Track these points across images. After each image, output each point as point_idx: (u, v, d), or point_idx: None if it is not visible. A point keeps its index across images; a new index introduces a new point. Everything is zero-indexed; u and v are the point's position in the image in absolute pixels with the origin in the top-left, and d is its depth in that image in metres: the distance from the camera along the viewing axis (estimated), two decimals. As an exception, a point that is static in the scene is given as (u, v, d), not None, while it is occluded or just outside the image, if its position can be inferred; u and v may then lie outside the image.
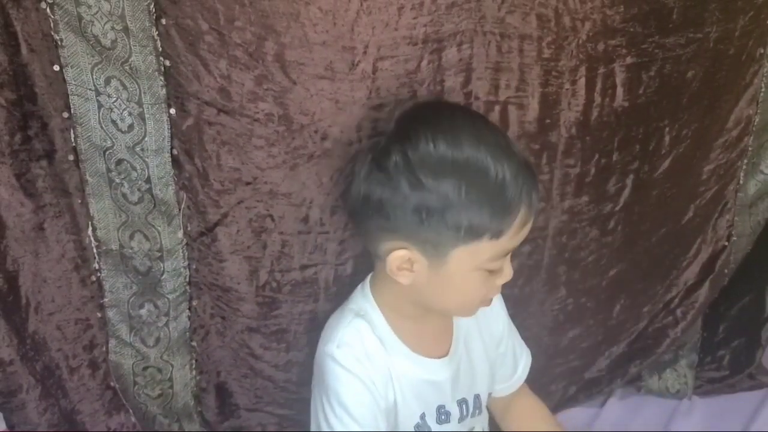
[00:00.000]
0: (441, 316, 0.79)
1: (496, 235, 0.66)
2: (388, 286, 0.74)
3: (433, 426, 0.79)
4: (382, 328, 0.75)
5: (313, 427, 0.77)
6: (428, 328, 0.78)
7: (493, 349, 0.84)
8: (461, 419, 0.80)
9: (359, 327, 0.74)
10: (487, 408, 0.86)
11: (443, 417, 0.79)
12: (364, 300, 0.77)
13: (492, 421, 0.89)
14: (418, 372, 0.76)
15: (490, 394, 0.85)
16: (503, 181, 0.65)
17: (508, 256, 0.72)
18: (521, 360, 0.87)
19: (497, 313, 0.84)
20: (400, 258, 0.69)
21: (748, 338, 1.13)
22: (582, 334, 1.03)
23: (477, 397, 0.82)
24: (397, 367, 0.75)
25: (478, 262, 0.68)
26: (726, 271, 1.06)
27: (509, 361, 0.86)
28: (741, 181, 1.01)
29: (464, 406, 0.80)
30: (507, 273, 0.72)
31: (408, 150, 0.66)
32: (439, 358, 0.77)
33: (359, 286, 0.79)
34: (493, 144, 0.67)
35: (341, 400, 0.71)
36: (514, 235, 0.68)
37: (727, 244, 1.05)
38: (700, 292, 1.06)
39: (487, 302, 0.75)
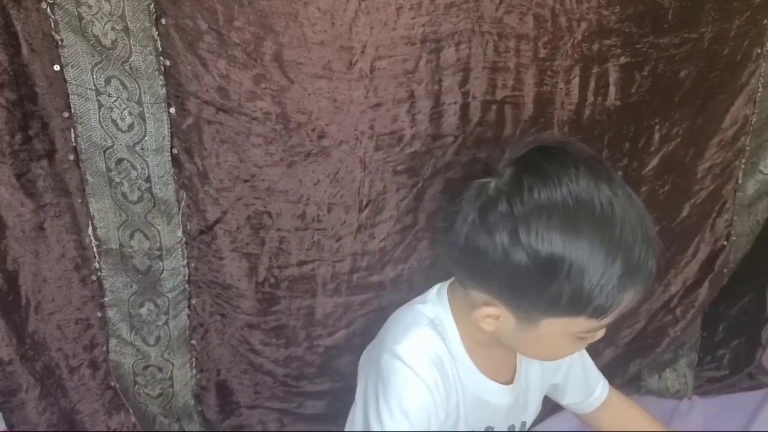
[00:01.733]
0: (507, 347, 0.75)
1: (597, 315, 0.62)
2: (466, 306, 0.69)
3: None
4: (455, 343, 0.71)
5: (358, 418, 0.72)
6: (496, 352, 0.74)
7: (550, 377, 0.81)
8: None
9: (432, 335, 0.70)
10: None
11: None
12: (441, 308, 0.72)
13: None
14: (480, 392, 0.73)
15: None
16: (610, 275, 0.59)
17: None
18: (596, 389, 0.85)
19: None
20: (488, 314, 0.66)
21: (748, 338, 1.13)
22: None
23: (524, 424, 0.80)
24: (462, 383, 0.72)
25: (571, 333, 0.65)
26: (725, 270, 1.06)
27: (577, 388, 0.83)
28: (740, 181, 1.02)
29: (510, 428, 0.79)
30: (598, 335, 0.67)
31: (515, 202, 0.61)
32: (503, 383, 0.75)
33: (436, 289, 0.74)
34: (614, 232, 0.60)
35: (402, 403, 0.67)
36: (616, 312, 0.63)
37: (726, 243, 1.05)
38: (700, 291, 1.05)
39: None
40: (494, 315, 0.66)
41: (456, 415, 0.73)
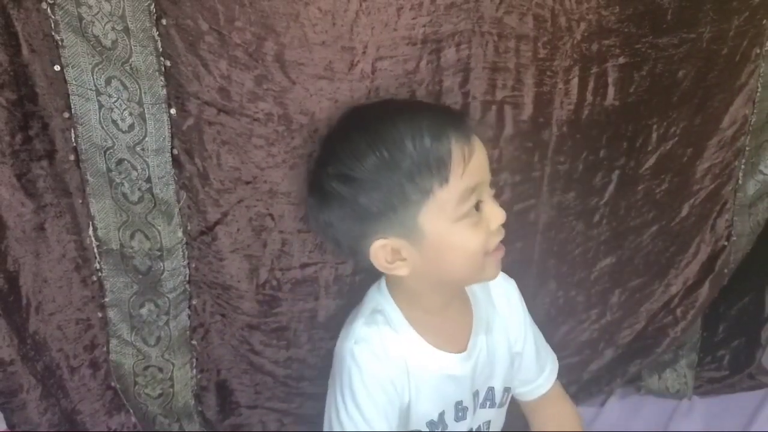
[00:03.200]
0: (460, 311, 0.79)
1: (444, 180, 0.67)
2: (400, 282, 0.75)
3: (451, 424, 0.78)
4: (399, 323, 0.75)
5: (326, 423, 0.77)
6: (447, 323, 0.77)
7: (514, 342, 0.84)
8: (474, 411, 0.80)
9: (377, 321, 0.75)
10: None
11: (460, 414, 0.79)
12: (380, 296, 0.77)
13: (517, 422, 0.89)
14: (436, 367, 0.76)
15: (507, 390, 0.84)
16: (420, 135, 0.67)
17: (488, 199, 0.71)
18: (547, 365, 0.87)
19: (515, 306, 0.84)
20: (382, 249, 0.70)
21: (748, 338, 1.13)
22: (575, 329, 1.03)
23: (491, 389, 0.82)
24: (414, 363, 0.75)
25: (449, 213, 0.68)
26: (726, 270, 1.06)
27: (530, 363, 0.85)
28: (740, 181, 1.01)
29: (476, 398, 0.80)
30: (495, 214, 0.71)
31: (334, 165, 0.69)
32: (458, 352, 0.77)
33: (375, 285, 0.79)
34: (405, 116, 0.69)
35: (356, 399, 0.72)
36: (463, 172, 0.68)
37: (726, 244, 1.05)
38: (700, 291, 1.05)
39: (497, 254, 0.73)
40: (390, 249, 0.70)
41: (409, 402, 0.75)
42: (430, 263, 0.71)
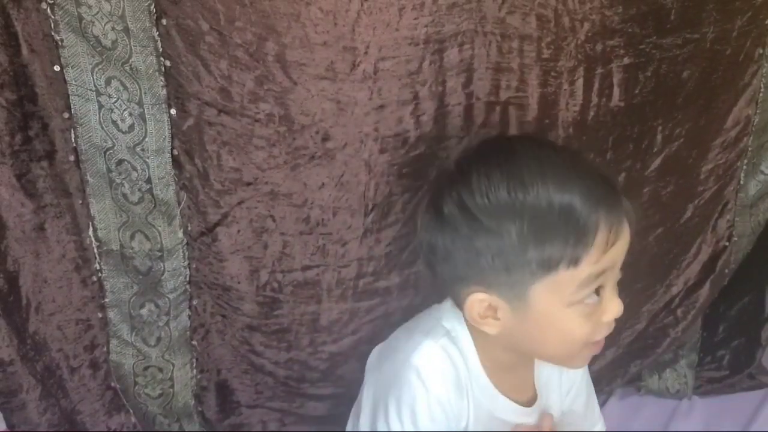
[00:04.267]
0: (525, 367, 0.74)
1: (573, 262, 0.61)
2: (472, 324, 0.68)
3: None
4: (471, 358, 0.69)
5: (365, 420, 0.71)
6: (513, 375, 0.73)
7: (564, 399, 0.79)
8: None
9: (448, 348, 0.68)
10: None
11: None
12: (457, 321, 0.70)
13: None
14: (494, 409, 0.71)
15: None
16: (569, 206, 0.60)
17: (611, 286, 0.65)
18: (595, 426, 0.83)
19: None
20: (479, 303, 0.64)
21: (748, 338, 1.13)
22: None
23: None
24: (477, 401, 0.70)
25: (564, 297, 0.62)
26: (727, 271, 1.06)
27: (578, 419, 0.81)
28: (741, 182, 1.01)
29: None
30: (614, 307, 0.64)
31: (463, 194, 0.62)
32: (523, 405, 0.73)
33: (449, 304, 0.72)
34: (558, 166, 0.62)
35: (416, 420, 0.66)
36: (598, 259, 0.61)
37: (728, 244, 1.04)
38: (701, 292, 1.05)
39: (597, 346, 0.67)
40: (487, 305, 0.64)
41: (466, 426, 0.71)
42: (523, 334, 0.65)
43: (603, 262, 0.62)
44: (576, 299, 0.63)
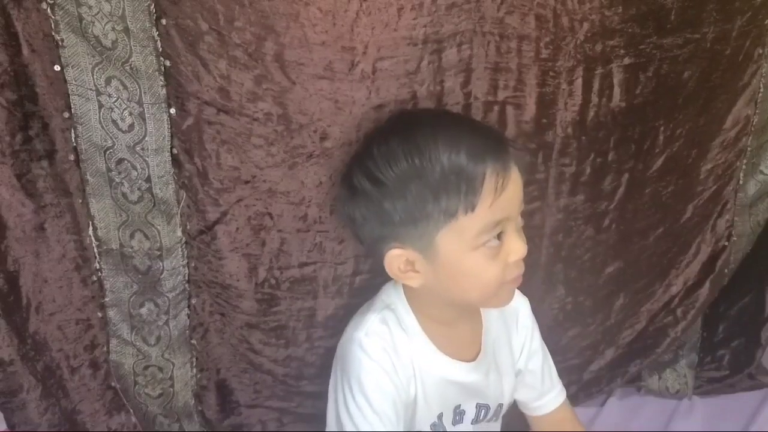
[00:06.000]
0: (470, 323, 0.79)
1: (470, 208, 0.66)
2: (416, 291, 0.74)
3: (448, 426, 0.78)
4: (410, 324, 0.75)
5: (330, 414, 0.76)
6: (457, 333, 0.77)
7: (517, 358, 0.84)
8: (475, 421, 0.80)
9: (388, 318, 0.74)
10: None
11: (458, 417, 0.79)
12: (395, 295, 0.77)
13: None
14: (443, 372, 0.75)
15: (508, 405, 0.85)
16: (458, 161, 0.66)
17: (513, 230, 0.70)
18: (553, 389, 0.86)
19: (523, 325, 0.84)
20: (396, 257, 0.70)
21: (748, 338, 1.13)
22: (582, 333, 1.03)
23: (500, 406, 0.82)
24: (421, 365, 0.74)
25: (468, 241, 0.67)
26: (726, 271, 1.06)
27: (536, 380, 0.85)
28: (741, 182, 1.01)
29: (484, 410, 0.80)
30: (516, 248, 0.69)
31: (369, 165, 0.69)
32: (467, 361, 0.77)
33: (392, 282, 0.79)
34: (448, 128, 0.68)
35: (364, 389, 0.71)
36: (493, 203, 0.67)
37: (727, 244, 1.04)
38: (701, 292, 1.05)
39: (513, 284, 0.72)
40: (404, 259, 0.70)
41: (415, 397, 0.74)
42: (441, 282, 0.71)
43: (498, 206, 0.67)
44: (478, 243, 0.68)
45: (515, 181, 0.69)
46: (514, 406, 0.89)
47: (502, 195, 0.67)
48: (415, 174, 0.66)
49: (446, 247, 0.68)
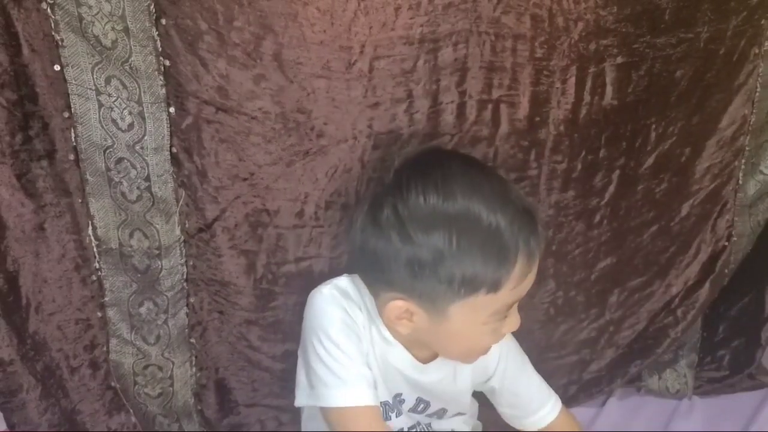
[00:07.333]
0: None
1: (494, 287, 0.65)
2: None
3: (389, 413, 0.78)
4: (373, 311, 0.73)
5: (300, 372, 0.74)
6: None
7: (481, 379, 0.82)
8: (413, 411, 0.79)
9: (354, 290, 0.73)
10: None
11: (398, 407, 0.78)
12: (367, 299, 0.74)
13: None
14: (393, 359, 0.74)
15: (459, 414, 0.83)
16: (497, 229, 0.63)
17: (514, 307, 0.70)
18: (543, 407, 0.84)
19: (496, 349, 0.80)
20: (398, 308, 0.68)
21: (748, 338, 1.12)
22: (574, 328, 1.02)
23: (443, 409, 0.81)
24: (375, 346, 0.73)
25: (480, 318, 0.67)
26: (726, 271, 1.06)
27: (522, 402, 0.84)
28: (740, 181, 1.01)
29: (423, 404, 0.79)
30: (514, 323, 0.70)
31: (398, 203, 0.66)
32: (422, 361, 0.76)
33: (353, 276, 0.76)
34: (488, 191, 0.65)
35: (329, 335, 0.69)
36: (515, 286, 0.65)
37: (727, 244, 1.04)
38: (701, 292, 1.05)
39: (487, 350, 0.73)
40: (405, 310, 0.68)
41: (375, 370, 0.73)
42: (431, 336, 0.70)
43: (518, 291, 0.67)
44: (490, 320, 0.67)
45: (536, 267, 0.68)
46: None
47: (525, 280, 0.67)
48: (445, 225, 0.63)
49: (456, 317, 0.66)
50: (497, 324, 0.69)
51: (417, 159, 0.72)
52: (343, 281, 0.74)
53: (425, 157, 0.72)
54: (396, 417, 0.78)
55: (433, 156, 0.73)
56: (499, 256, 0.64)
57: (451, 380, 0.79)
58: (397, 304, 0.67)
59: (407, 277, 0.65)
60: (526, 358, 0.85)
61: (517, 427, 0.86)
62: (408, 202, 0.65)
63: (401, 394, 0.78)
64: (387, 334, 0.74)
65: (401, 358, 0.75)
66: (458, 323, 0.67)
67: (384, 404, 0.76)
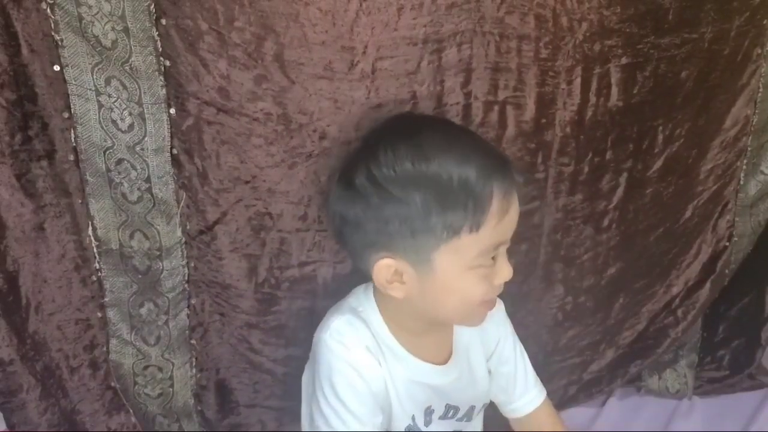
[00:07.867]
0: (441, 331, 0.78)
1: (475, 227, 0.66)
2: (388, 299, 0.72)
3: (421, 427, 0.78)
4: (379, 329, 0.74)
5: (304, 414, 0.76)
6: (427, 339, 0.76)
7: (488, 357, 0.83)
8: (444, 417, 0.79)
9: (355, 322, 0.73)
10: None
11: (428, 418, 0.78)
12: (365, 299, 0.75)
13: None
14: (412, 374, 0.75)
15: (483, 407, 0.84)
16: (467, 176, 0.65)
17: (503, 253, 0.70)
18: (528, 393, 0.84)
19: (496, 325, 0.82)
20: (386, 268, 0.69)
21: (748, 338, 1.13)
22: (581, 333, 1.03)
23: (471, 408, 0.81)
24: (391, 366, 0.74)
25: (466, 261, 0.67)
26: (727, 271, 1.06)
27: (509, 385, 0.83)
28: (741, 182, 1.01)
29: (453, 410, 0.79)
30: (505, 271, 0.70)
31: (372, 166, 0.67)
32: (438, 364, 0.76)
33: (362, 286, 0.78)
34: (458, 142, 0.68)
35: (336, 391, 0.70)
36: (496, 225, 0.67)
37: (728, 244, 1.05)
38: (701, 292, 1.05)
39: (490, 305, 0.73)
40: (394, 270, 0.68)
41: (389, 397, 0.74)
42: (425, 296, 0.70)
43: (500, 228, 0.67)
44: (475, 263, 0.68)
45: (516, 204, 0.69)
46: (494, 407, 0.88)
47: (505, 218, 0.67)
48: (420, 182, 0.65)
49: (442, 264, 0.67)
50: (486, 270, 0.69)
51: (386, 124, 0.73)
52: (346, 313, 0.74)
53: (394, 122, 0.74)
54: (425, 427, 0.78)
55: (401, 120, 0.74)
56: (474, 200, 0.65)
57: (468, 372, 0.79)
58: (386, 263, 0.68)
59: (390, 233, 0.67)
60: (520, 345, 0.85)
61: (505, 413, 0.87)
62: (380, 164, 0.66)
63: (431, 405, 0.78)
64: (398, 349, 0.74)
65: (419, 368, 0.75)
66: (444, 269, 0.67)
67: (413, 419, 0.77)
